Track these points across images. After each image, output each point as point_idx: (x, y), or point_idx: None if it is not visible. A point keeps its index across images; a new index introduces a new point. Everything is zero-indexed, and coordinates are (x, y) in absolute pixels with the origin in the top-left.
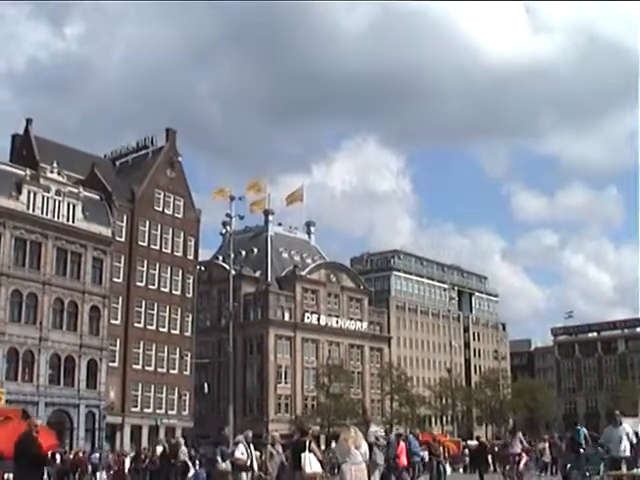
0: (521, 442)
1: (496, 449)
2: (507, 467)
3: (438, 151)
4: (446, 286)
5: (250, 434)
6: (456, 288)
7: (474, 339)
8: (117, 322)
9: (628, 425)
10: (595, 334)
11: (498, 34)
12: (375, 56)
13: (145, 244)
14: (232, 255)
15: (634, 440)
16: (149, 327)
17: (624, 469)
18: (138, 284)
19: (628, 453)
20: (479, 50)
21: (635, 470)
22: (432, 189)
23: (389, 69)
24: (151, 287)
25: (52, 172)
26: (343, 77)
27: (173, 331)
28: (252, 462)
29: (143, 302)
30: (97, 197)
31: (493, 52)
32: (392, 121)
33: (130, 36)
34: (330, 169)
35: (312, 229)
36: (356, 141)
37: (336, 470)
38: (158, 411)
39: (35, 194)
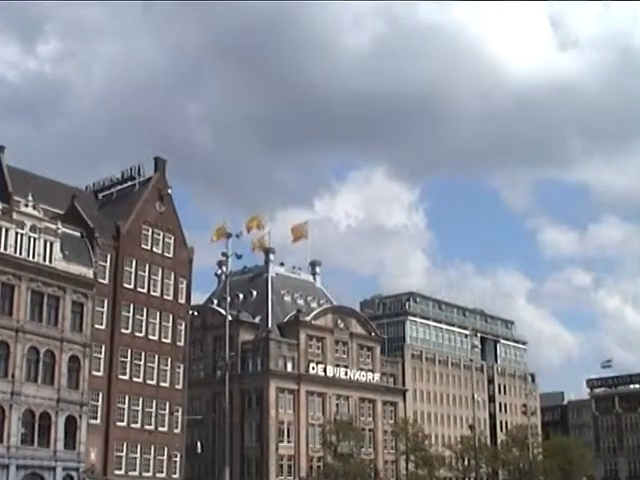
0: None
1: None
2: None
3: (454, 182)
4: (467, 332)
5: None
6: (479, 334)
7: (500, 392)
8: (99, 374)
9: None
10: (637, 386)
11: (520, 50)
12: (383, 76)
13: (131, 286)
14: (228, 298)
15: None
16: (135, 379)
17: None
18: (123, 331)
19: None
20: (499, 68)
21: None
22: (448, 224)
23: (399, 91)
24: (138, 335)
25: (27, 206)
26: (348, 100)
27: (162, 384)
28: None
29: (129, 351)
30: (77, 234)
31: (515, 70)
32: (403, 148)
33: (111, 54)
34: (334, 202)
35: (317, 269)
36: (363, 171)
37: None
38: (145, 474)
39: (7, 230)
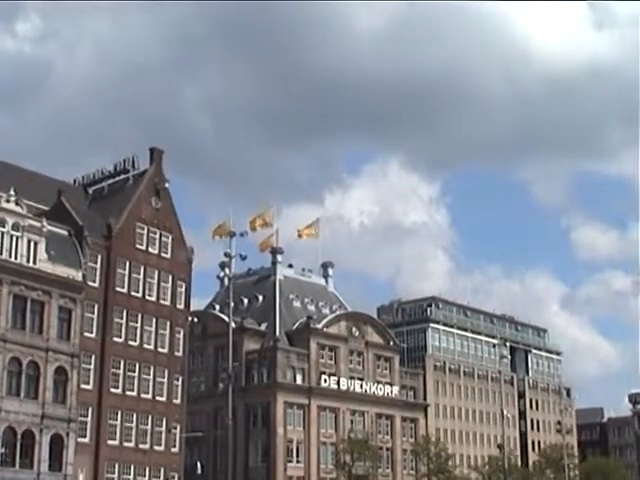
0: None
1: None
2: None
3: (480, 175)
4: (495, 341)
5: None
6: (508, 344)
7: (531, 407)
8: (89, 387)
9: None
10: None
11: (552, 29)
12: (400, 59)
13: (124, 290)
14: (232, 304)
15: None
16: (129, 393)
17: None
18: (115, 340)
19: None
20: (529, 49)
21: None
22: (472, 221)
23: (417, 74)
24: (132, 344)
25: (8, 201)
26: (361, 85)
27: (159, 398)
28: None
29: (121, 362)
30: (64, 232)
31: (546, 51)
32: (422, 138)
33: (98, 34)
34: (346, 197)
35: (330, 271)
36: (378, 163)
37: None
38: None
39: None
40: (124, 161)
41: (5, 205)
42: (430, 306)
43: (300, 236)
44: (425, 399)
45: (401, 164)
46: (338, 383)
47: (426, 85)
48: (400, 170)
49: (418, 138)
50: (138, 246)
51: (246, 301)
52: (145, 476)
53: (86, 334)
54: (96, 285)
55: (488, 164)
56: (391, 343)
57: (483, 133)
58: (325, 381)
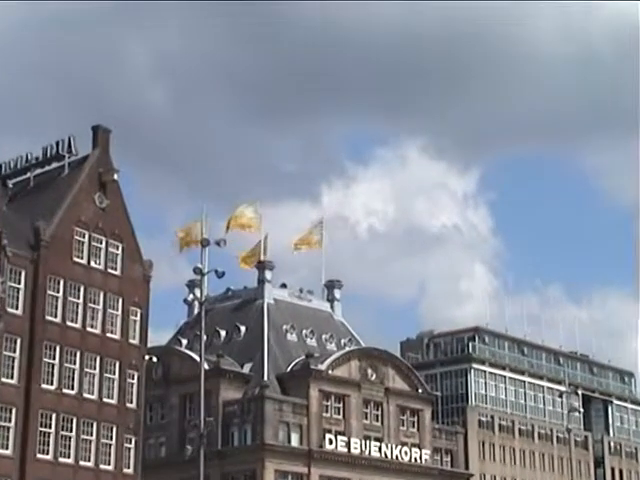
0: None
1: None
2: None
3: (531, 163)
4: (563, 389)
5: None
6: (580, 392)
7: (613, 478)
8: (7, 453)
9: None
10: None
11: None
12: (423, 7)
13: (58, 320)
14: (204, 337)
15: None
16: (63, 460)
17: None
18: (45, 387)
19: None
20: None
21: None
22: (523, 225)
23: (444, 26)
24: (67, 392)
25: None
26: (367, 42)
27: (104, 467)
28: None
29: (53, 418)
30: None
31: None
32: (452, 114)
33: None
34: (350, 193)
35: (337, 293)
36: (392, 147)
37: None
38: None
39: None
40: (57, 144)
41: None
42: (472, 340)
43: (298, 247)
44: (467, 467)
45: (423, 148)
46: (348, 445)
47: (456, 40)
48: (422, 156)
49: (445, 113)
50: (77, 259)
51: (224, 333)
52: None
53: (5, 380)
54: (19, 312)
55: (543, 148)
56: (420, 390)
57: (535, 106)
58: (330, 442)
